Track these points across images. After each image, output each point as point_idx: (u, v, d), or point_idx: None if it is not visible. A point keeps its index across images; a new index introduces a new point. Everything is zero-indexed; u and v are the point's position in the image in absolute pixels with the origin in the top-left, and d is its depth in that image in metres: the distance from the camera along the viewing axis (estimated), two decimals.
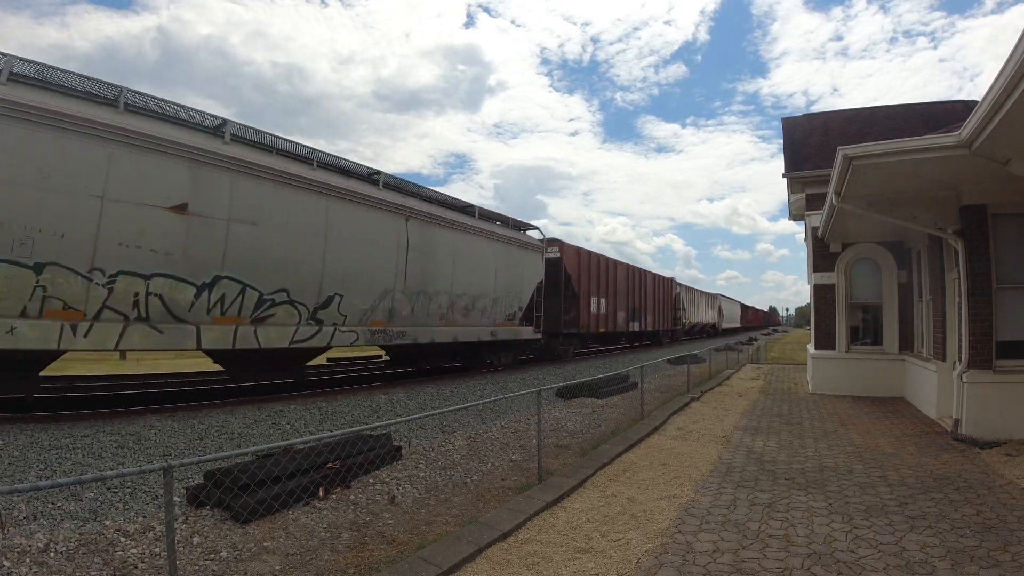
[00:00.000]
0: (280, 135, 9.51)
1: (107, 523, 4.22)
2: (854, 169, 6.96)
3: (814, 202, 12.94)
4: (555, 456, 6.81)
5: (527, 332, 16.05)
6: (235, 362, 9.30)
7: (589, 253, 20.51)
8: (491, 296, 14.25)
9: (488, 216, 14.62)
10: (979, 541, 4.03)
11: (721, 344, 25.22)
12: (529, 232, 16.57)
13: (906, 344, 11.88)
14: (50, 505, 4.41)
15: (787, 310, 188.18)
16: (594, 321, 20.51)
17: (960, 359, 7.66)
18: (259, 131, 9.12)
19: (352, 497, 5.06)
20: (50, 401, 8.64)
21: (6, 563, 3.47)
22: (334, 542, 4.18)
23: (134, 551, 3.80)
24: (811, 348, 13.68)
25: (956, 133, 6.03)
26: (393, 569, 3.67)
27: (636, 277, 25.67)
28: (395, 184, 11.61)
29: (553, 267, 18.00)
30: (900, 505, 4.86)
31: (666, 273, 36.14)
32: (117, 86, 7.30)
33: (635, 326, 25.34)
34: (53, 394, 9.26)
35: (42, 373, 7.65)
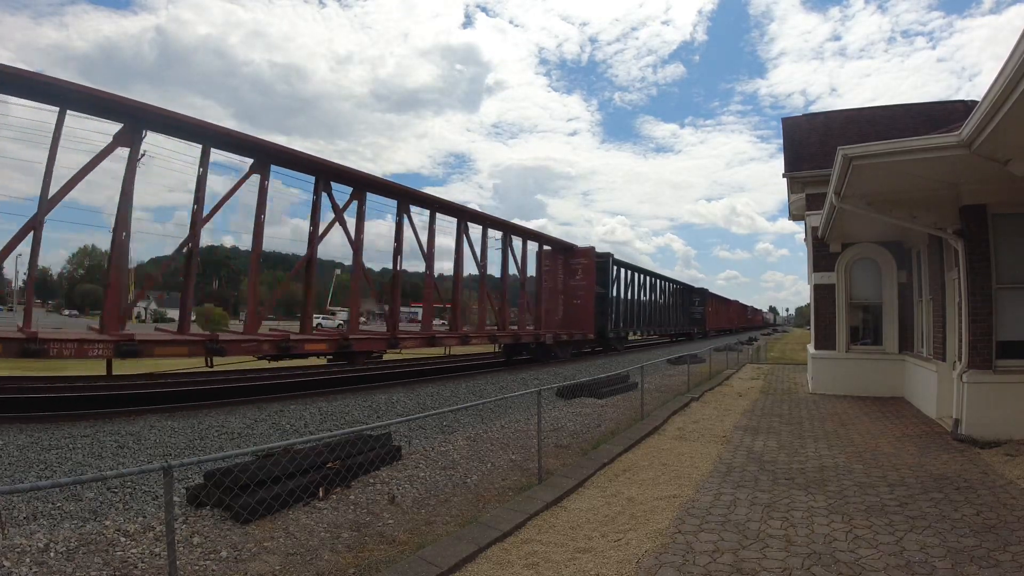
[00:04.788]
0: None
1: (107, 523, 4.22)
2: (854, 169, 6.95)
3: (814, 202, 12.94)
4: (555, 456, 6.81)
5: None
6: None
7: None
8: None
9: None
10: (979, 541, 4.03)
11: (721, 344, 25.22)
12: None
13: (906, 344, 11.87)
14: (50, 505, 4.42)
15: (787, 310, 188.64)
16: None
17: (960, 359, 7.65)
18: None
19: (352, 497, 5.06)
20: (50, 401, 8.64)
21: (6, 563, 3.47)
22: (334, 542, 4.18)
23: (134, 551, 3.80)
24: (811, 348, 13.69)
25: (956, 133, 6.02)
26: (393, 569, 3.66)
27: None
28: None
29: None
30: (900, 505, 4.86)
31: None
32: None
33: None
34: (53, 394, 9.25)
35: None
